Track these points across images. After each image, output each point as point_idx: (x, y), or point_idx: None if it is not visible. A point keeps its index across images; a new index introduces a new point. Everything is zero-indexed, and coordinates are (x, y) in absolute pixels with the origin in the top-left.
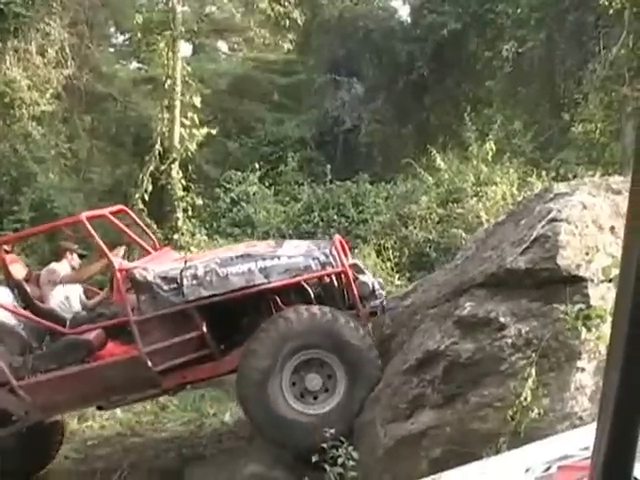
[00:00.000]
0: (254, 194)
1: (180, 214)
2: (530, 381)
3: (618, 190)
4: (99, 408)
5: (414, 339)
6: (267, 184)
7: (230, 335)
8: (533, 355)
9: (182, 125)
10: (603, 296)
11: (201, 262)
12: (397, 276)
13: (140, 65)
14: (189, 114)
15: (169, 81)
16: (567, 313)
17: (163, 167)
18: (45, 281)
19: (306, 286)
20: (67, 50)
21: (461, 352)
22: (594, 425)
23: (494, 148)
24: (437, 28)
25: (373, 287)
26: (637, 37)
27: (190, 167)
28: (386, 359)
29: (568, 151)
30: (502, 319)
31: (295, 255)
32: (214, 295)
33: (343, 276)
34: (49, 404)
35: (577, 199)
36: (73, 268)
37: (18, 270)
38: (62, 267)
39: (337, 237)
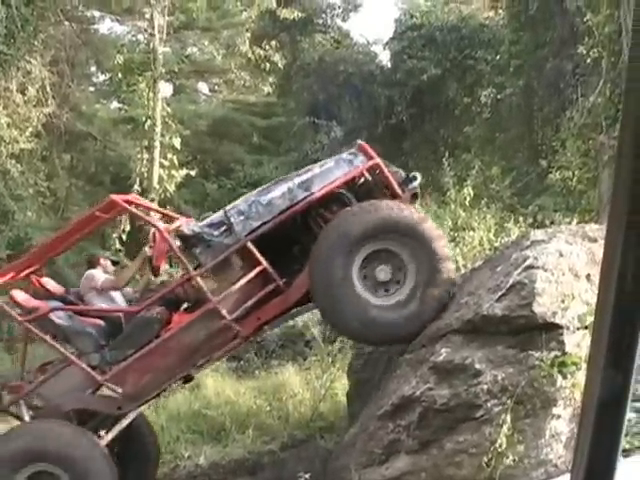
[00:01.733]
0: None
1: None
2: (505, 427)
3: (594, 238)
4: (185, 382)
5: (390, 384)
6: None
7: (288, 266)
8: (508, 402)
9: (161, 166)
10: (579, 343)
11: (241, 200)
12: None
13: (120, 105)
14: (168, 155)
15: (149, 122)
16: (543, 360)
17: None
18: (86, 289)
19: (345, 192)
20: (47, 89)
21: (437, 398)
22: (568, 475)
23: (472, 193)
24: (417, 73)
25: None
26: (614, 86)
27: (168, 208)
28: (362, 404)
29: (545, 197)
30: (478, 365)
31: (326, 165)
32: (264, 223)
33: (377, 169)
34: (138, 389)
35: (554, 247)
36: (107, 273)
37: (55, 287)
38: (98, 274)
39: (358, 141)
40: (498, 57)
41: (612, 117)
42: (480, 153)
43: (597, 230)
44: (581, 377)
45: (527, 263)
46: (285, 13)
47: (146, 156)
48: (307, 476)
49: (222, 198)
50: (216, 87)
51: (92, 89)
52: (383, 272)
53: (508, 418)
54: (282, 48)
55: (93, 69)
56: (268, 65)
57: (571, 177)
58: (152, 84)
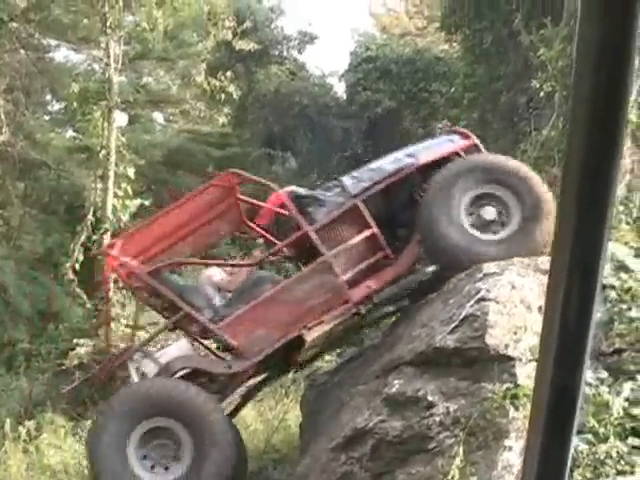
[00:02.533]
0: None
1: (111, 285)
2: (458, 460)
3: (546, 270)
4: (289, 365)
5: (342, 416)
6: (200, 257)
7: (393, 240)
8: (461, 434)
9: (115, 196)
10: (530, 375)
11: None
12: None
13: (75, 134)
14: (122, 185)
15: (103, 151)
16: (495, 392)
17: (95, 237)
18: (205, 281)
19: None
20: (2, 116)
21: (389, 430)
22: None
23: None
24: (372, 105)
25: None
26: (567, 119)
27: None
28: (315, 435)
29: None
30: (430, 397)
31: (429, 142)
32: (374, 184)
33: (473, 149)
34: (251, 343)
35: (506, 279)
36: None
37: None
38: (216, 271)
39: (457, 129)
40: (453, 90)
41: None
42: None
43: (549, 262)
44: None
45: (479, 295)
46: (241, 44)
47: (100, 185)
48: None
49: None
50: (171, 117)
51: (47, 117)
52: (489, 212)
53: (460, 450)
54: (238, 79)
55: (48, 97)
56: (223, 96)
57: None
58: (107, 113)
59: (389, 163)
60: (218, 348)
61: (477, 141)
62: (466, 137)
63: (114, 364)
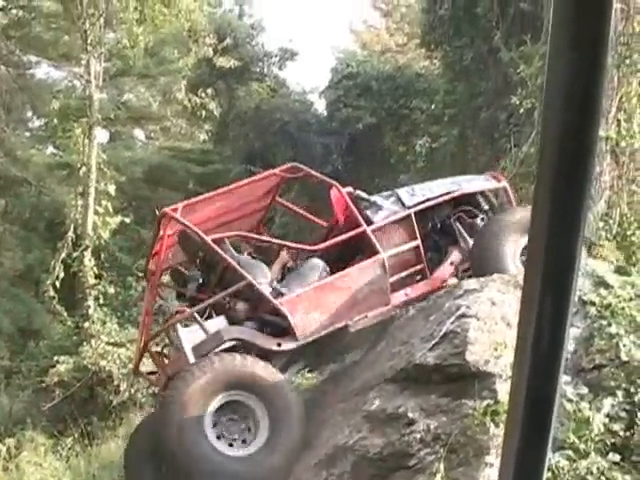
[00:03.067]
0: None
1: (91, 302)
2: (439, 476)
3: None
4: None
5: (323, 433)
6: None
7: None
8: (442, 450)
9: (96, 212)
10: None
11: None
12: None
13: (56, 150)
14: (103, 202)
15: (84, 168)
16: (475, 409)
17: (75, 254)
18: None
19: (480, 199)
20: None
21: (370, 447)
22: None
23: None
24: (352, 122)
25: None
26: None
27: (103, 254)
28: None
29: None
30: (411, 414)
31: (469, 177)
32: (427, 199)
33: (504, 192)
34: (305, 324)
35: (486, 296)
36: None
37: None
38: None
39: (490, 173)
40: (433, 106)
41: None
42: None
43: (523, 276)
44: None
45: (460, 312)
46: (222, 61)
47: (81, 202)
48: None
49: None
50: (152, 134)
51: (27, 134)
52: None
53: (441, 467)
54: (218, 96)
55: (29, 114)
56: (204, 112)
57: None
58: (88, 130)
59: (438, 186)
60: None
61: (507, 185)
62: (499, 180)
63: (165, 329)
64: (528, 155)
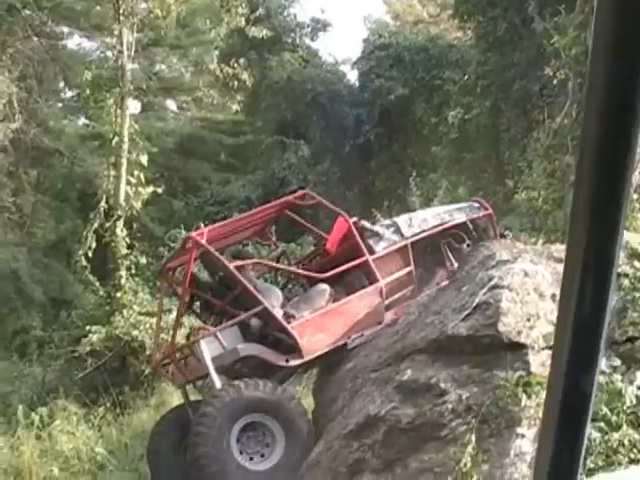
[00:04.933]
0: None
1: (123, 272)
2: (470, 447)
3: (560, 258)
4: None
5: (355, 403)
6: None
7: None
8: (473, 421)
9: (128, 183)
10: (544, 363)
11: (398, 218)
12: None
13: (88, 121)
14: (135, 172)
15: (116, 138)
16: (507, 380)
17: (108, 224)
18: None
19: (469, 224)
20: (15, 104)
21: (401, 417)
22: None
23: None
24: (384, 93)
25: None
26: (580, 107)
27: (135, 225)
28: (327, 422)
29: (511, 218)
30: (443, 385)
31: (458, 206)
32: (423, 231)
33: (489, 218)
34: (311, 345)
35: (519, 267)
36: None
37: None
38: None
39: (477, 200)
40: (466, 78)
41: (578, 138)
42: (447, 173)
43: (562, 250)
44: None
45: (492, 283)
46: (254, 31)
47: (113, 173)
48: None
49: (189, 216)
50: (184, 105)
51: (60, 105)
52: None
53: (473, 437)
54: (250, 66)
55: (61, 85)
56: (236, 83)
57: (537, 197)
58: (120, 101)
59: (433, 217)
60: None
61: (492, 212)
62: (486, 208)
63: (190, 344)
64: (562, 126)
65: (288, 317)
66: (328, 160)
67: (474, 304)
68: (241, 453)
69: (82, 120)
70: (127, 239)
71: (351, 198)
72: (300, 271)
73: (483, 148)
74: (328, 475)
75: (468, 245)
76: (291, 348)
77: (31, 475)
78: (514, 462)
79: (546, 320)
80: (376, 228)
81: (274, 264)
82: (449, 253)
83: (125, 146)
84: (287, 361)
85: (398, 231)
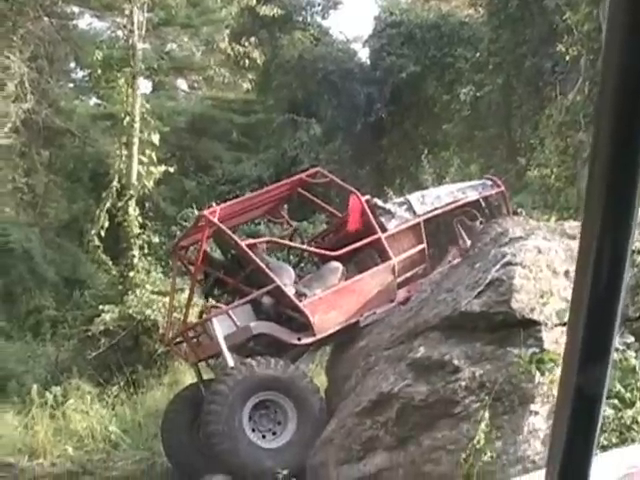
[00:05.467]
0: None
1: (136, 252)
2: (483, 424)
3: (573, 235)
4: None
5: (368, 381)
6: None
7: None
8: (487, 398)
9: (140, 162)
10: (557, 340)
11: (410, 195)
12: None
13: (99, 101)
14: (147, 151)
15: (128, 118)
16: (521, 357)
17: (120, 204)
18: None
19: (483, 203)
20: (26, 84)
21: (414, 395)
22: (544, 470)
23: None
24: (396, 71)
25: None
26: (593, 84)
27: (147, 204)
28: (340, 400)
29: (524, 195)
30: (456, 362)
31: (472, 183)
32: (436, 208)
33: (502, 196)
34: (323, 322)
35: (532, 243)
36: None
37: None
38: None
39: (490, 177)
40: (477, 55)
41: (591, 115)
42: (459, 150)
43: (575, 227)
44: (559, 374)
45: (505, 260)
46: (265, 10)
47: (125, 152)
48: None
49: (201, 195)
50: (195, 84)
51: (71, 85)
52: None
53: (486, 415)
54: (261, 45)
55: (72, 65)
56: (247, 62)
57: (549, 175)
58: (131, 80)
59: (446, 195)
60: None
61: (504, 190)
62: (498, 186)
63: (203, 322)
64: (574, 103)
65: (300, 295)
66: (340, 138)
67: (487, 281)
68: (253, 431)
69: (93, 100)
70: (139, 218)
71: (363, 176)
72: (312, 249)
73: (495, 125)
74: (341, 452)
75: (481, 223)
76: (303, 326)
77: (45, 454)
78: (527, 439)
79: (559, 297)
80: (388, 206)
81: (286, 242)
82: (462, 231)
83: (137, 125)
84: (299, 339)
85: (410, 209)
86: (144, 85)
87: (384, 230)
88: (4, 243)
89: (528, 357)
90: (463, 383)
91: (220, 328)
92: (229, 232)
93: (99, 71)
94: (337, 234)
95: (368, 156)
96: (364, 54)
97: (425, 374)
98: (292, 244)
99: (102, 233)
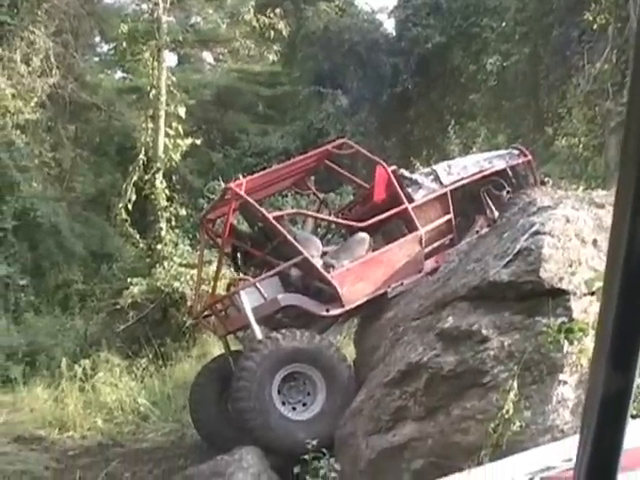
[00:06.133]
0: None
1: (163, 224)
2: (512, 394)
3: (601, 204)
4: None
5: (396, 351)
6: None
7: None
8: (515, 368)
9: (166, 135)
10: (586, 309)
11: (437, 165)
12: None
13: (125, 75)
14: (173, 124)
15: (154, 91)
16: (549, 326)
17: (147, 177)
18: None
19: (510, 173)
20: (52, 59)
21: (443, 365)
22: (576, 437)
23: None
24: (422, 41)
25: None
26: (620, 52)
27: (174, 177)
28: (369, 371)
29: (551, 165)
30: (484, 332)
31: (499, 153)
32: (463, 178)
33: (529, 165)
34: (351, 294)
35: (560, 212)
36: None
37: None
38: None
39: (517, 146)
40: (504, 24)
41: (618, 84)
42: (486, 121)
43: (604, 196)
44: (588, 343)
45: (534, 229)
46: None
47: (151, 125)
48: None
49: (227, 168)
50: (220, 56)
51: (96, 59)
52: None
53: (515, 384)
54: (287, 16)
55: (97, 39)
56: (273, 33)
57: (577, 144)
58: (156, 53)
59: (473, 164)
60: None
61: (531, 159)
62: (525, 155)
63: (231, 294)
64: (602, 72)
65: (328, 267)
66: (366, 110)
67: (515, 250)
68: (283, 404)
69: (119, 74)
70: (166, 191)
71: (390, 147)
72: (339, 220)
73: (522, 95)
74: (370, 423)
75: (508, 192)
76: (331, 297)
77: (75, 426)
78: (556, 409)
79: (588, 266)
80: (415, 176)
81: (313, 214)
82: (489, 201)
83: (163, 98)
84: (327, 310)
85: (437, 179)
86: (169, 58)
87: (411, 201)
88: (32, 218)
89: (557, 326)
90: (492, 353)
91: (248, 300)
92: (255, 204)
93: (124, 44)
94: (364, 205)
95: (394, 127)
96: (390, 25)
97: (453, 344)
98: (319, 215)
99: (129, 206)
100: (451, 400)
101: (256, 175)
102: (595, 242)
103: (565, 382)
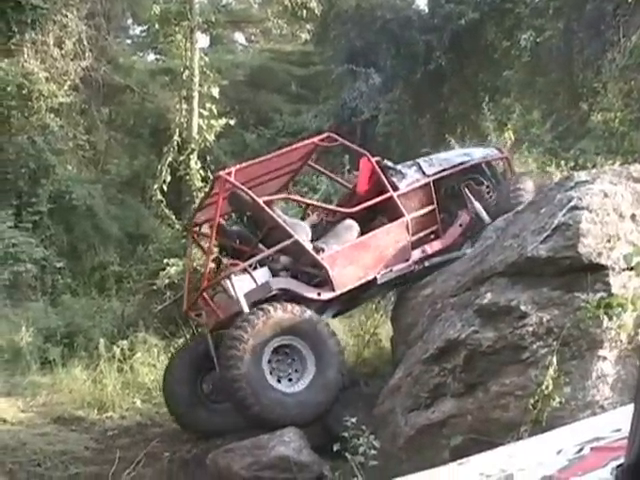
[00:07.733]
0: None
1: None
2: (551, 370)
3: (639, 178)
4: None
5: (435, 328)
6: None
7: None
8: (554, 343)
9: (200, 116)
10: (624, 284)
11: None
12: None
13: (157, 56)
14: (207, 105)
15: (187, 72)
16: (588, 301)
17: (181, 158)
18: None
19: (486, 168)
20: (84, 42)
21: (482, 341)
22: (624, 409)
23: (512, 138)
24: (455, 18)
25: None
26: None
27: (208, 158)
28: (406, 348)
29: (587, 140)
30: (523, 307)
31: (478, 148)
32: (444, 169)
33: (506, 161)
34: (341, 275)
35: (598, 187)
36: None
37: None
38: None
39: (495, 146)
40: (537, 0)
41: None
42: (520, 97)
43: None
44: (627, 318)
45: (571, 204)
46: None
47: (185, 106)
48: (353, 420)
49: (261, 148)
50: (253, 37)
51: (129, 41)
52: None
53: (554, 360)
54: None
55: (129, 21)
56: (305, 13)
57: (613, 119)
58: (189, 34)
59: (454, 157)
60: None
61: (509, 156)
62: (502, 152)
63: (221, 279)
64: (637, 45)
65: (318, 250)
66: (399, 87)
67: (553, 226)
68: (273, 375)
69: (152, 55)
70: (201, 172)
71: (424, 125)
72: (328, 206)
73: (556, 71)
74: (409, 400)
75: (487, 187)
76: (323, 281)
77: (114, 407)
78: (596, 384)
79: (626, 241)
80: (399, 167)
81: (302, 199)
82: (469, 195)
83: (196, 79)
84: (319, 294)
85: (420, 170)
86: (202, 39)
87: (395, 189)
88: (67, 200)
89: (596, 302)
90: (530, 329)
91: (240, 285)
92: (245, 189)
93: (157, 26)
94: (352, 197)
95: (428, 105)
96: (422, 1)
97: (492, 320)
98: (308, 201)
99: (164, 188)
100: (490, 376)
101: (245, 164)
102: (634, 217)
103: (605, 358)
